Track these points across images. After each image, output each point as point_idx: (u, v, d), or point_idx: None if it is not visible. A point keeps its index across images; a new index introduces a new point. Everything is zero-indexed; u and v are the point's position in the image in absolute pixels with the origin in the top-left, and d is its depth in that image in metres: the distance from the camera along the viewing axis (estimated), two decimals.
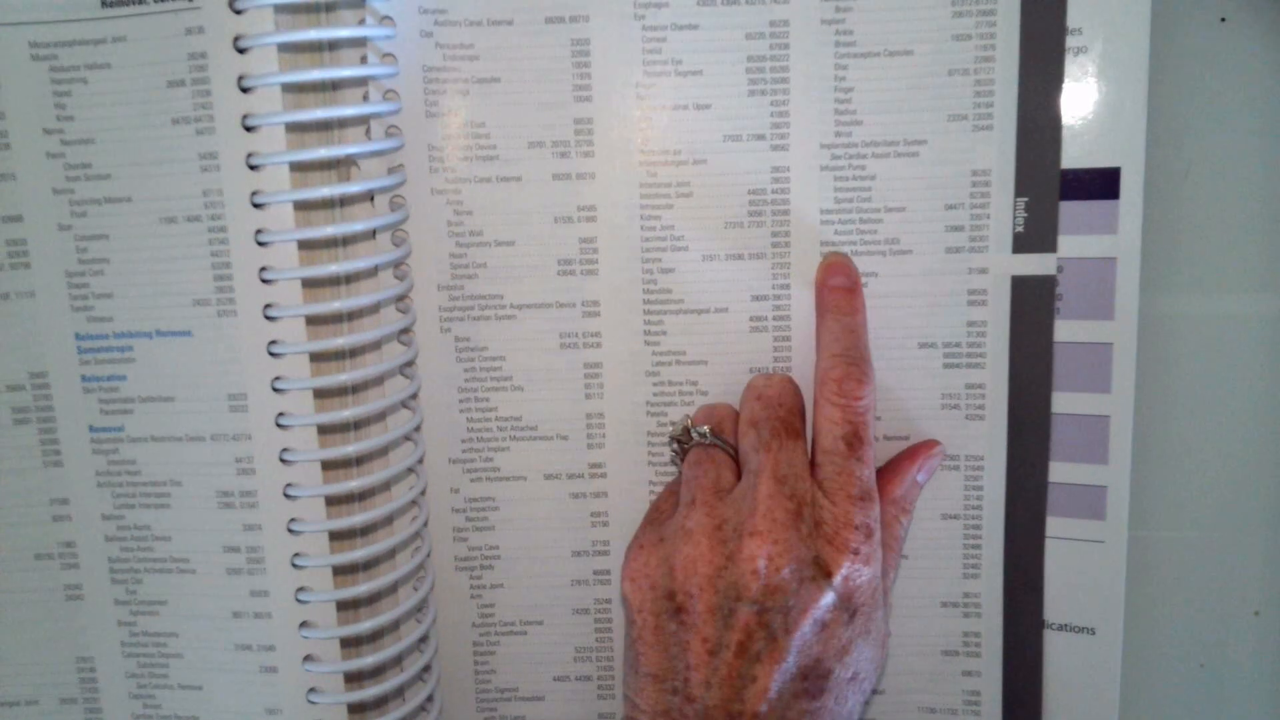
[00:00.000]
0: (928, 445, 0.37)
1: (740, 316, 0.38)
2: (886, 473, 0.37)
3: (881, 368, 0.37)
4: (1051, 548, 0.38)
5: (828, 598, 0.33)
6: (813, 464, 0.35)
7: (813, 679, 0.33)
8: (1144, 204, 0.35)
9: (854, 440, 0.34)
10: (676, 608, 0.34)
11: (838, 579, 0.33)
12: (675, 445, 0.37)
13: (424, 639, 0.38)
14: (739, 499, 0.34)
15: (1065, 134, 0.35)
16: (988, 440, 0.38)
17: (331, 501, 0.36)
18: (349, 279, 0.36)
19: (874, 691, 0.39)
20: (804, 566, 0.33)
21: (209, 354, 0.36)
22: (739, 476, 0.35)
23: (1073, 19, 0.35)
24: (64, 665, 0.39)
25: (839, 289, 0.36)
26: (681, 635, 0.33)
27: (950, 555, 0.38)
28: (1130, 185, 0.35)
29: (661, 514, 0.37)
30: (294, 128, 0.34)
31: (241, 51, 0.33)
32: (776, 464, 0.34)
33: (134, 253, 0.36)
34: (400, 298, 0.37)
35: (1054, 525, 0.37)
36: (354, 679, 0.37)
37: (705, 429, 0.36)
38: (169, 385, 0.37)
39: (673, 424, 0.38)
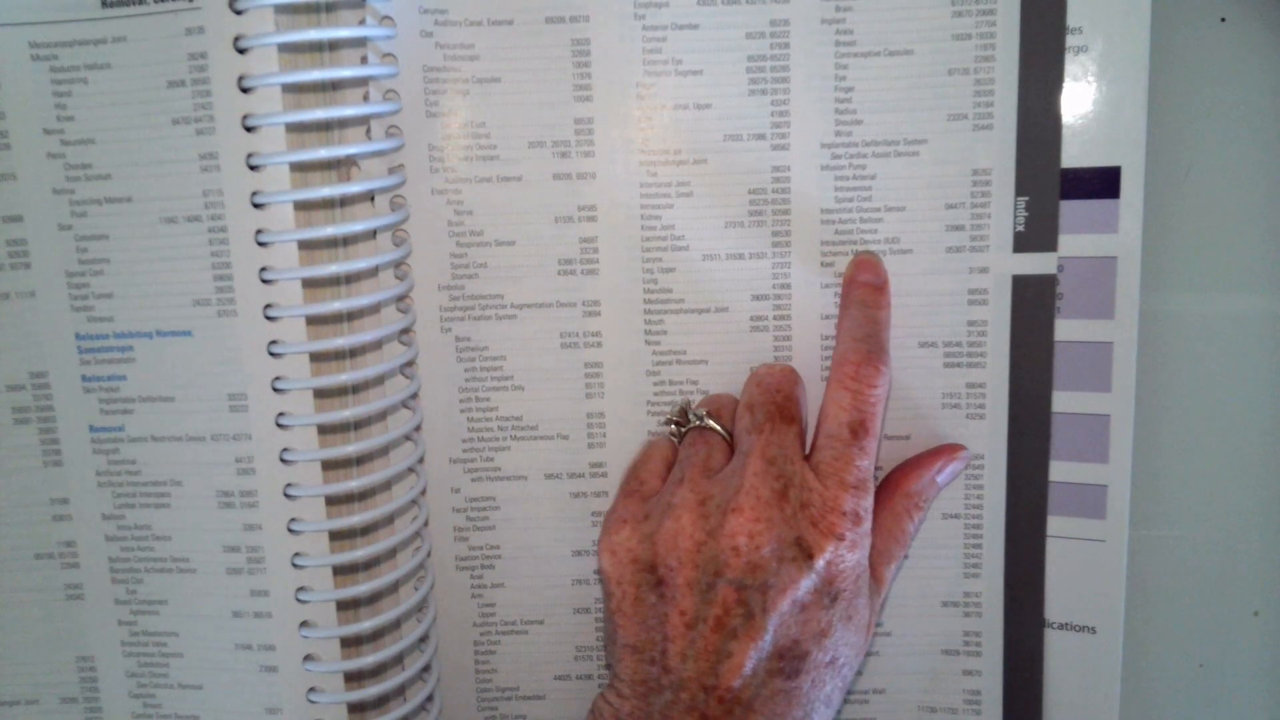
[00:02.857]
0: (954, 447, 0.37)
1: (741, 316, 0.38)
2: (907, 466, 0.37)
3: None
4: (1052, 547, 0.38)
5: (808, 580, 0.32)
6: (813, 447, 0.35)
7: (789, 659, 0.32)
8: (1144, 203, 0.35)
9: (859, 429, 0.34)
10: (657, 580, 0.34)
11: (820, 562, 0.33)
12: (673, 427, 0.37)
13: (424, 638, 0.38)
14: (726, 477, 0.34)
15: (1065, 133, 0.35)
16: (988, 439, 0.38)
17: (331, 501, 0.36)
18: (349, 279, 0.36)
19: (875, 691, 0.39)
20: (785, 547, 0.33)
21: (209, 354, 0.36)
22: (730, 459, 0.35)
23: (1073, 19, 0.35)
24: (64, 665, 0.39)
25: (867, 284, 0.36)
26: (660, 607, 0.33)
27: (950, 554, 0.38)
28: (1130, 185, 0.35)
29: (642, 485, 0.36)
30: (294, 128, 0.34)
31: (241, 52, 0.33)
32: (767, 445, 0.34)
33: (134, 253, 0.36)
34: (400, 298, 0.37)
35: (1054, 524, 0.37)
36: (354, 678, 0.37)
37: (702, 411, 0.36)
38: (169, 385, 0.36)
39: (671, 406, 0.38)
